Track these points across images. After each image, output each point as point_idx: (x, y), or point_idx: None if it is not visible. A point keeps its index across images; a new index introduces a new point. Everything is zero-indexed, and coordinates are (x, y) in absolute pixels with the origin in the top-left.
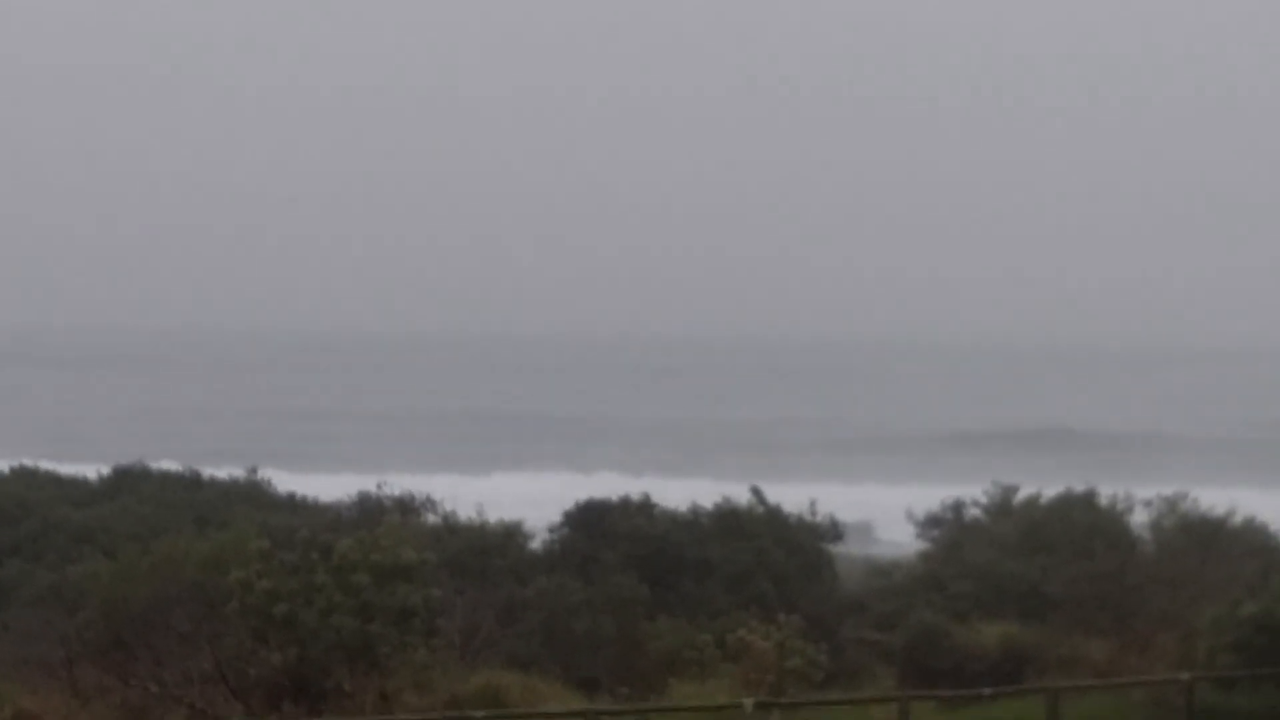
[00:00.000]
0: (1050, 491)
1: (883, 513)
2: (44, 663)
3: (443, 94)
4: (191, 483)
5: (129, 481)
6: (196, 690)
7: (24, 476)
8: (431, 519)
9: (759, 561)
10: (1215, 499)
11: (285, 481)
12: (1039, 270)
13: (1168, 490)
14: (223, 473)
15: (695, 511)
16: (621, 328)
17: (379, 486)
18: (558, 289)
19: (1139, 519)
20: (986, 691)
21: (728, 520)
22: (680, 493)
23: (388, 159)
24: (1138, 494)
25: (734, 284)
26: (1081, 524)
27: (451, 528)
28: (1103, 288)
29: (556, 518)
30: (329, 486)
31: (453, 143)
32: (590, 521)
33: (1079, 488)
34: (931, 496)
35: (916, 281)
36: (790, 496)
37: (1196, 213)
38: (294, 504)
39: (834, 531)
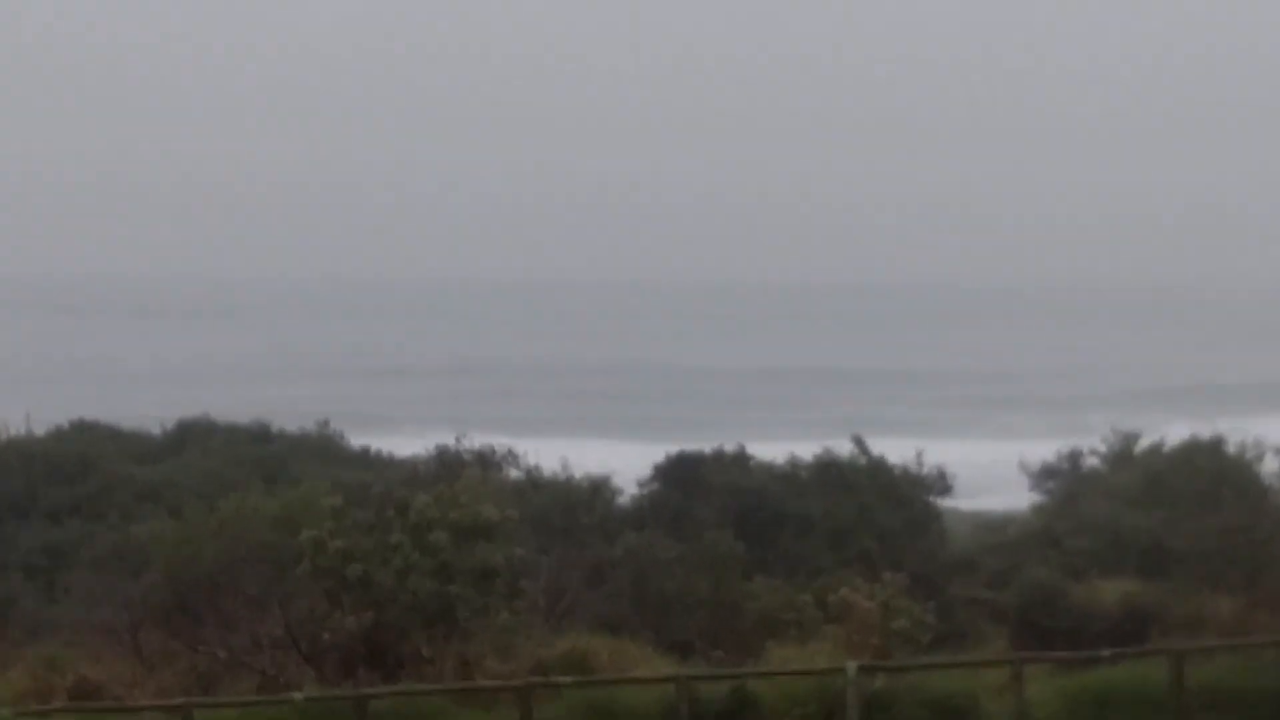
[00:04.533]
0: (1174, 439)
1: (993, 467)
2: (107, 628)
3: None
4: (259, 436)
5: (193, 436)
6: (267, 656)
7: (83, 431)
8: (514, 474)
9: (862, 516)
10: None
11: (359, 435)
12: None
13: None
14: (292, 426)
15: (794, 464)
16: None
17: (457, 440)
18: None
19: (1270, 467)
20: (1105, 653)
21: (828, 473)
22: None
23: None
24: (1269, 440)
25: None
26: (1208, 473)
27: (535, 483)
28: None
29: (646, 471)
30: (405, 442)
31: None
32: (682, 475)
33: (1205, 434)
34: (1046, 449)
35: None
36: (894, 449)
37: None
38: (367, 459)
39: (942, 484)
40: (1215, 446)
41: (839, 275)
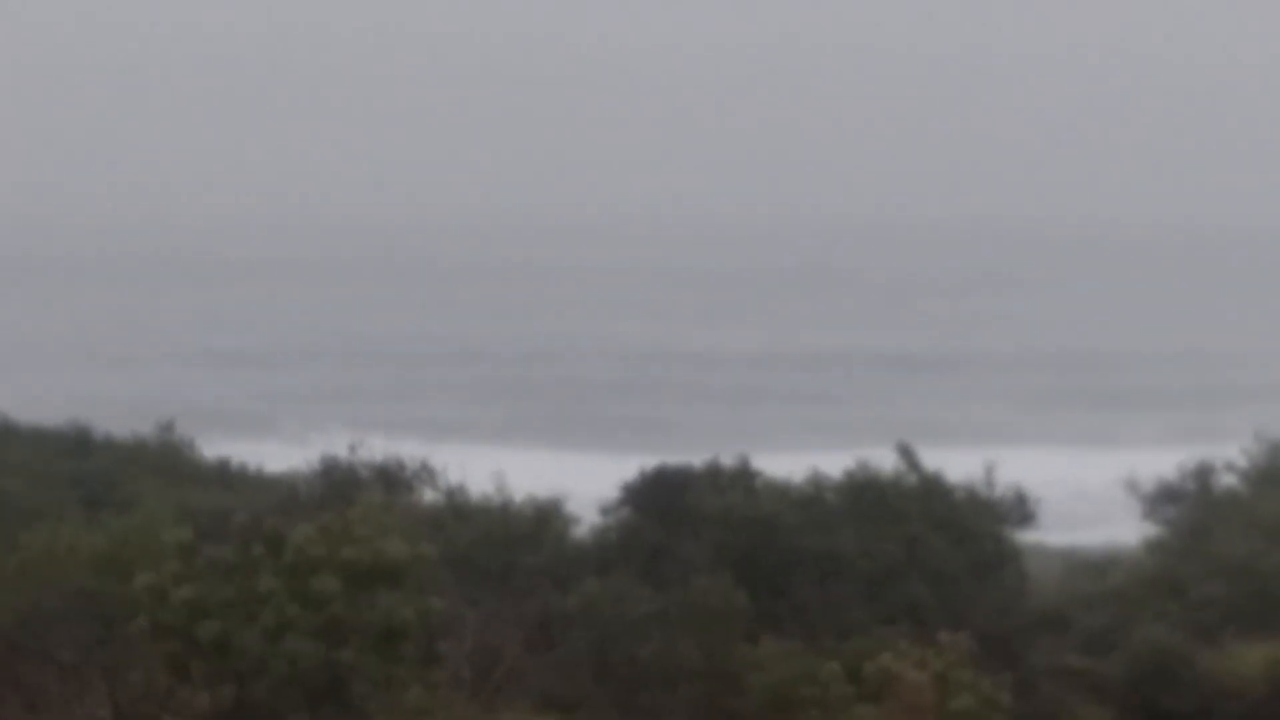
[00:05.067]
0: None
1: (1091, 487)
2: None
3: None
4: (76, 445)
5: None
6: None
7: None
8: (430, 496)
9: (911, 555)
10: None
11: (216, 443)
12: None
13: None
14: (123, 430)
15: (816, 483)
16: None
17: (352, 449)
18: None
19: None
20: None
21: (864, 496)
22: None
23: None
24: None
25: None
26: None
27: (459, 509)
28: None
29: (612, 494)
30: (279, 452)
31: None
32: (662, 498)
33: None
34: (1165, 463)
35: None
36: (955, 462)
37: None
38: (227, 475)
39: (1020, 511)
40: None
41: (873, 213)
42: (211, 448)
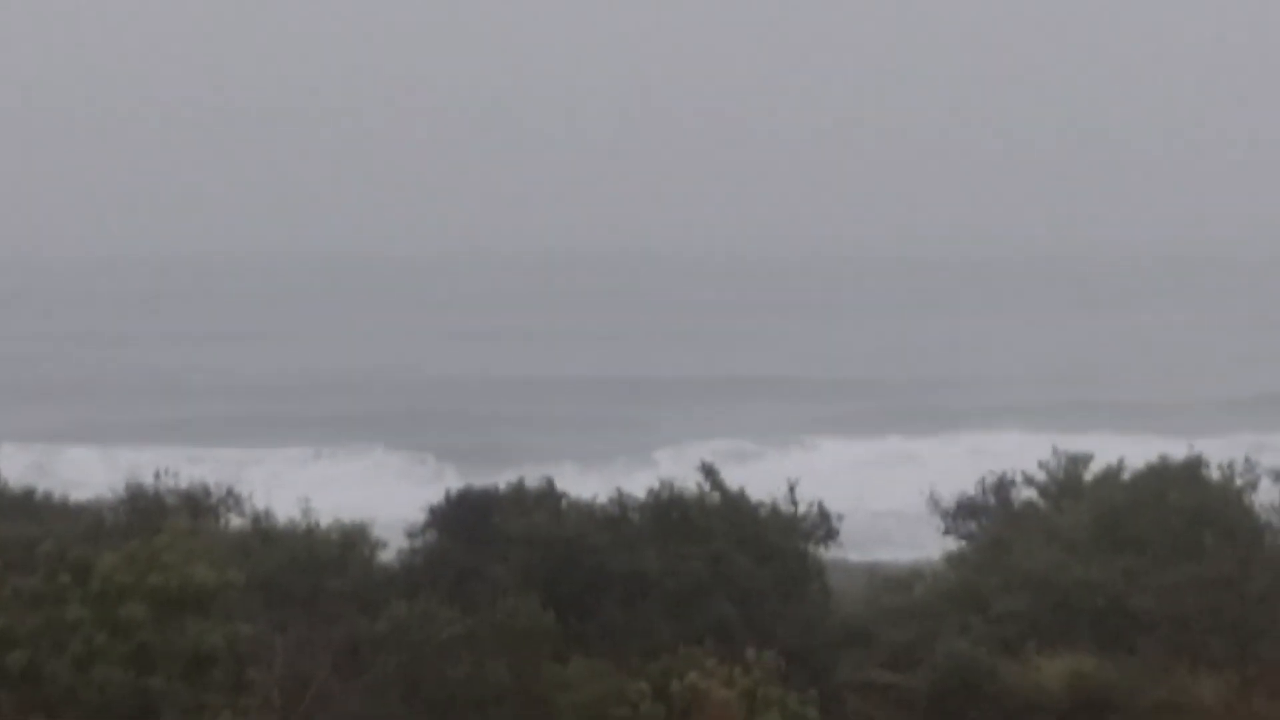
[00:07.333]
0: (1136, 462)
1: (893, 504)
2: None
3: None
4: None
5: None
6: None
7: None
8: (236, 523)
9: (716, 573)
10: None
11: (17, 468)
12: None
13: None
14: None
15: (621, 503)
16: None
17: (157, 477)
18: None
19: (1267, 498)
20: None
21: (668, 515)
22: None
23: None
24: (1262, 461)
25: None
26: (1183, 508)
27: (265, 535)
28: None
29: (417, 517)
30: (82, 478)
31: None
32: (468, 521)
33: (1177, 454)
34: (965, 479)
35: None
36: (757, 481)
37: None
38: (31, 505)
39: (824, 528)
40: (1192, 472)
41: (663, 243)
42: (16, 477)
